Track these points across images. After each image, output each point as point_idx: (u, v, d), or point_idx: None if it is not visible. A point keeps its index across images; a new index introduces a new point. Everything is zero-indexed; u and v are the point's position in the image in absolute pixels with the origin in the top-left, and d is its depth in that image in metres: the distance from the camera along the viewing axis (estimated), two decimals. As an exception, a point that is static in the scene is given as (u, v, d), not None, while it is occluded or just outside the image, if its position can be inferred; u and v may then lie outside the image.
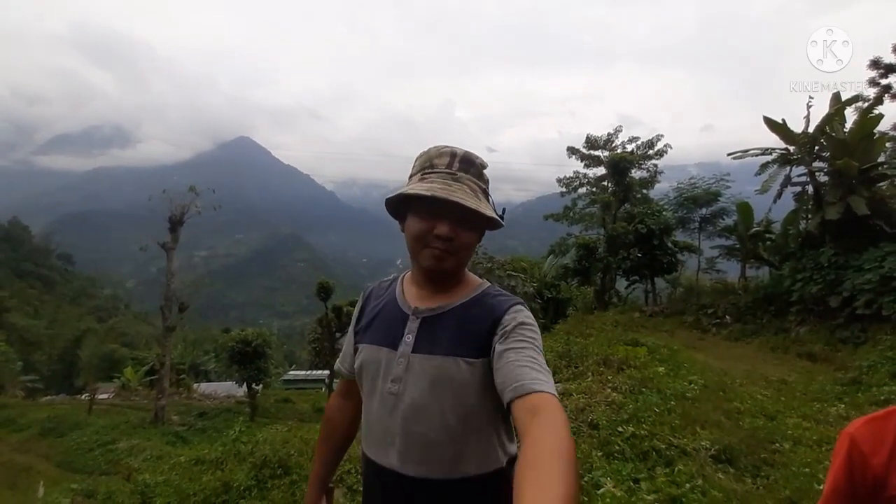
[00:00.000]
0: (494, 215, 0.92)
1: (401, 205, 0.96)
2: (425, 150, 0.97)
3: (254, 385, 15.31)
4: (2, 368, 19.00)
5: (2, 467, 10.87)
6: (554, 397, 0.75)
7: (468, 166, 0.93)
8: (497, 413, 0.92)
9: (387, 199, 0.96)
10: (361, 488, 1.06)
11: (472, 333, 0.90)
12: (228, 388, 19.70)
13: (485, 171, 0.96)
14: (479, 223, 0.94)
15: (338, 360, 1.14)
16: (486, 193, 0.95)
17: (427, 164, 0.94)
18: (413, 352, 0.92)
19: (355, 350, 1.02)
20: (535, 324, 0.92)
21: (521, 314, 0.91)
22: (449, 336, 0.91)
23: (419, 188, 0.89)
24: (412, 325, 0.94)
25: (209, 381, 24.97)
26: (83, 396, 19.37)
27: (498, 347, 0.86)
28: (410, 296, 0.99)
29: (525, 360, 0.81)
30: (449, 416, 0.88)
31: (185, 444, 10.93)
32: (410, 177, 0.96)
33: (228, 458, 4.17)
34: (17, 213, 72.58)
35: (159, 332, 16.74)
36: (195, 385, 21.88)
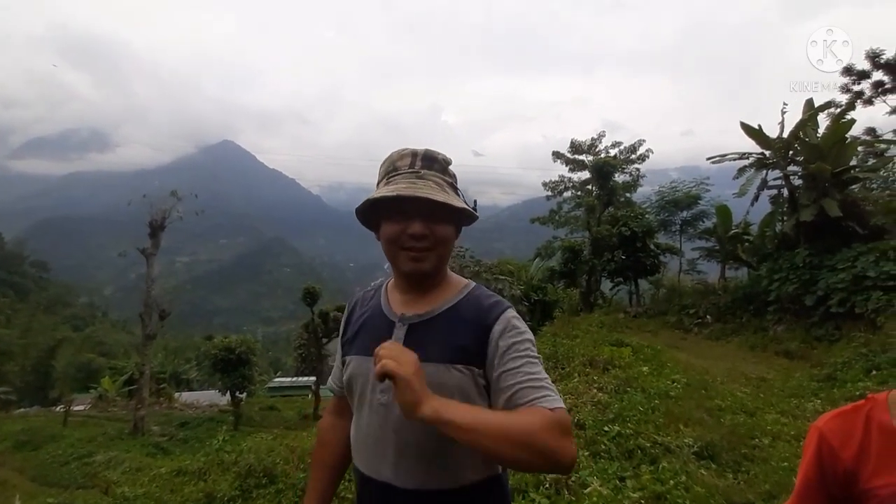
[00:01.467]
0: (465, 206, 0.91)
1: (371, 213, 0.94)
2: (387, 156, 0.96)
3: (238, 393, 15.00)
4: (-29, 380, 18.22)
5: (-28, 483, 10.39)
6: (561, 414, 0.79)
7: (431, 163, 0.92)
8: None
9: (356, 210, 0.94)
10: None
11: (462, 340, 0.89)
12: (211, 397, 19.26)
13: (449, 167, 0.95)
14: (452, 217, 0.92)
15: (330, 378, 1.12)
16: (453, 187, 0.94)
17: (391, 169, 0.93)
18: None
19: (344, 363, 1.00)
20: (526, 328, 0.91)
21: (511, 321, 0.89)
22: (438, 342, 0.89)
23: (384, 191, 0.88)
24: (399, 333, 0.92)
25: (191, 390, 24.37)
26: (58, 408, 18.68)
27: (495, 362, 0.86)
28: (395, 302, 0.97)
29: (525, 381, 0.82)
30: None
31: (166, 455, 10.63)
32: (377, 185, 0.95)
33: (212, 468, 4.07)
34: (-13, 220, 69.89)
35: (138, 340, 16.30)
36: (176, 394, 21.33)
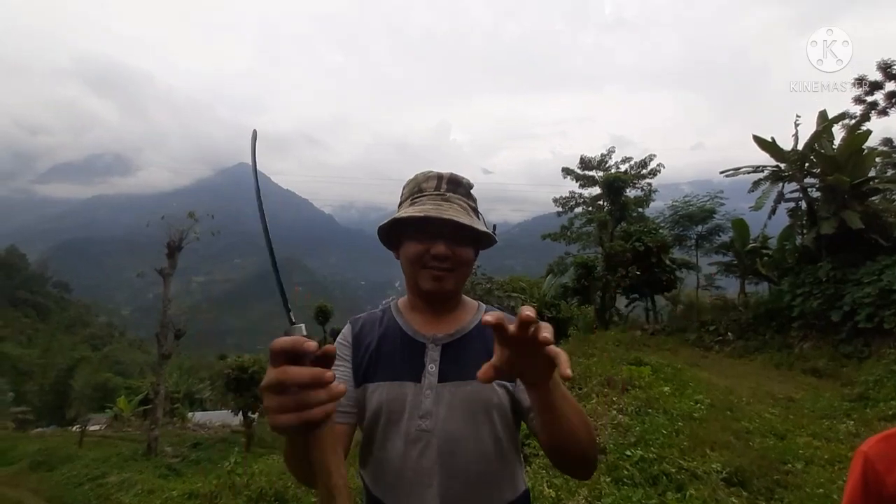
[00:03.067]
0: (488, 230, 0.93)
1: (393, 232, 0.95)
2: (411, 177, 0.98)
3: (250, 413, 14.93)
4: (-8, 400, 18.59)
5: (-12, 504, 10.47)
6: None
7: (456, 187, 0.94)
8: (516, 435, 0.93)
9: (379, 227, 0.94)
10: None
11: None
12: (224, 417, 19.21)
13: (472, 192, 0.97)
14: (474, 240, 0.94)
15: None
16: (476, 211, 0.96)
17: (416, 189, 0.94)
18: (440, 381, 0.87)
19: (364, 392, 0.91)
20: None
21: None
22: (478, 360, 0.84)
23: (412, 211, 0.89)
24: (433, 354, 0.90)
25: (204, 409, 24.36)
26: (74, 428, 18.86)
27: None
28: (418, 323, 0.95)
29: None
30: (485, 444, 0.86)
31: (178, 476, 10.57)
32: (400, 204, 0.96)
33: (223, 491, 4.02)
34: (14, 242, 72.57)
35: (154, 359, 16.45)
36: (189, 414, 21.35)
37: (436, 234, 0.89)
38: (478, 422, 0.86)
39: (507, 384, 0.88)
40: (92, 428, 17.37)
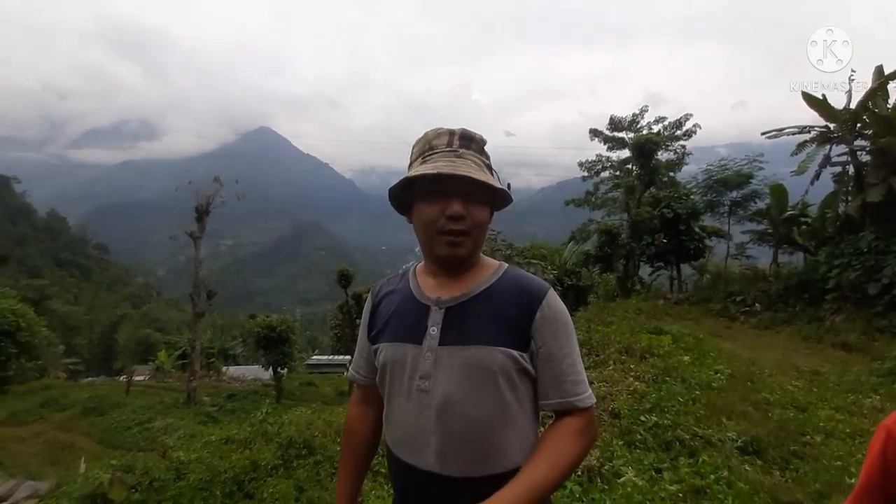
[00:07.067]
0: (503, 187, 0.90)
1: (405, 194, 0.92)
2: (421, 135, 0.94)
3: (279, 369, 15.79)
4: (45, 352, 20.21)
5: (46, 444, 11.61)
6: (592, 413, 0.90)
7: (469, 142, 0.90)
8: (533, 403, 0.92)
9: (390, 189, 0.91)
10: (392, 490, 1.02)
11: (506, 322, 0.87)
12: (255, 372, 20.40)
13: (485, 148, 0.93)
14: (489, 199, 0.91)
15: (350, 369, 1.10)
16: (490, 168, 0.92)
17: (426, 148, 0.90)
18: (440, 344, 0.88)
19: (375, 352, 0.97)
20: (567, 312, 0.92)
21: (555, 304, 0.90)
22: (479, 325, 0.87)
23: (423, 169, 0.85)
24: (436, 317, 0.90)
25: (237, 364, 25.92)
26: (121, 378, 20.44)
27: (541, 350, 0.88)
28: (427, 286, 0.95)
29: (569, 371, 0.88)
30: (486, 408, 0.85)
31: (215, 423, 11.40)
32: (410, 164, 0.92)
33: (256, 438, 4.32)
34: (53, 206, 76.24)
35: (189, 317, 17.40)
36: (224, 368, 22.75)
37: (450, 192, 0.86)
38: (478, 386, 0.85)
39: (513, 350, 0.86)
40: (137, 378, 18.77)
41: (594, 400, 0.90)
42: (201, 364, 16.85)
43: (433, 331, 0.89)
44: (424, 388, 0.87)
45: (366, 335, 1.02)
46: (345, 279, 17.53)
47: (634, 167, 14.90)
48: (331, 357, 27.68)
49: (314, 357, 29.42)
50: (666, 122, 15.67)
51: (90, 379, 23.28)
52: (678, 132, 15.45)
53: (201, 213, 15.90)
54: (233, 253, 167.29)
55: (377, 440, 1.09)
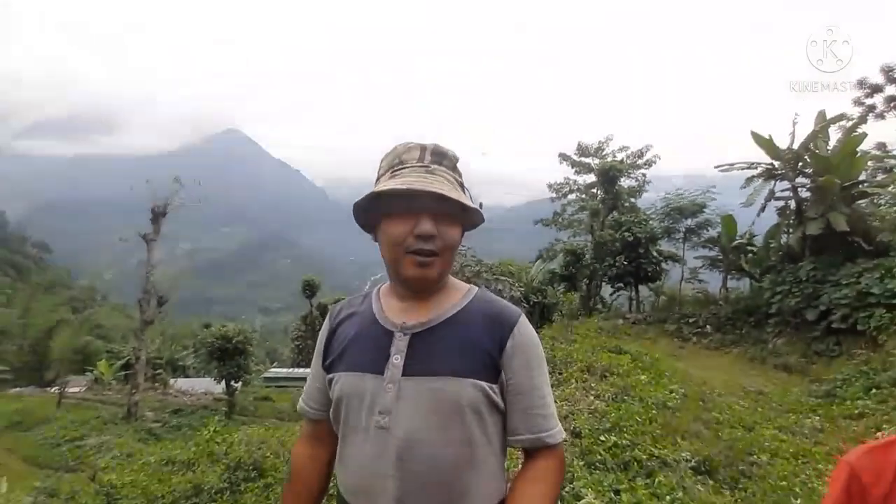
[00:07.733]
0: (475, 206, 0.85)
1: (372, 210, 0.85)
2: (390, 148, 0.88)
3: (233, 382, 15.00)
4: (-32, 359, 18.31)
5: (-36, 462, 10.41)
6: (562, 451, 0.87)
7: (441, 158, 0.85)
8: (501, 439, 0.86)
9: (356, 204, 0.84)
10: None
11: (475, 351, 0.82)
12: (207, 385, 19.25)
13: (457, 165, 0.88)
14: (461, 218, 0.86)
15: (301, 400, 0.98)
16: (462, 187, 0.87)
17: (396, 162, 0.85)
18: (404, 375, 0.80)
19: (330, 382, 0.88)
20: (537, 339, 0.89)
21: (527, 331, 0.86)
22: (447, 353, 0.81)
23: (392, 184, 0.79)
24: (399, 344, 0.82)
25: (187, 377, 24.41)
26: (53, 390, 18.75)
27: (511, 382, 0.83)
28: (392, 310, 0.88)
29: (539, 404, 0.85)
30: (452, 448, 0.78)
31: (157, 441, 10.63)
32: (378, 179, 0.86)
33: (201, 458, 4.03)
34: (-9, 198, 70.22)
35: (137, 325, 16.29)
36: (172, 381, 21.35)
37: (421, 209, 0.80)
38: (444, 422, 0.78)
39: (483, 382, 0.80)
40: (71, 390, 17.31)
41: (564, 435, 0.87)
42: (146, 376, 15.75)
43: (396, 359, 0.82)
44: (384, 425, 0.79)
45: (320, 362, 0.93)
46: (310, 289, 17.06)
47: (599, 192, 15.54)
48: (290, 370, 26.57)
49: (272, 370, 28.16)
50: (629, 151, 16.55)
51: (18, 390, 21.19)
52: (640, 161, 16.34)
53: (157, 215, 15.11)
54: (191, 258, 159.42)
55: (326, 485, 0.98)
